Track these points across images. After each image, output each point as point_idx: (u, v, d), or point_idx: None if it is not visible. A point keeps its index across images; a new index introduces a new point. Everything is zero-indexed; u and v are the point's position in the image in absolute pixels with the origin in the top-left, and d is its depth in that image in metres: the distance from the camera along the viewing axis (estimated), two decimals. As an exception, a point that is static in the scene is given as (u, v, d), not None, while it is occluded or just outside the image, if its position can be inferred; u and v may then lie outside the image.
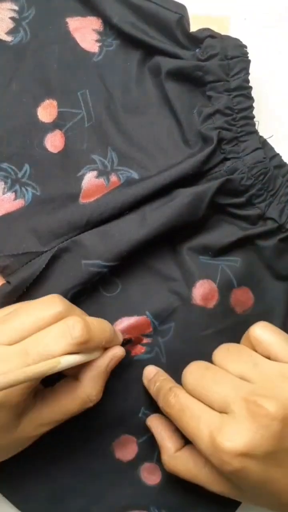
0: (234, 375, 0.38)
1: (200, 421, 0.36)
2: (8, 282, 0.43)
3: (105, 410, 0.44)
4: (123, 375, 0.45)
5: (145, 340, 0.45)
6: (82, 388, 0.39)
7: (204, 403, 0.37)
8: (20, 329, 0.36)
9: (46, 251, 0.44)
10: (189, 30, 0.46)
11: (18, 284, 0.43)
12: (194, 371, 0.40)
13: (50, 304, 0.38)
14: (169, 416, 0.39)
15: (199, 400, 0.38)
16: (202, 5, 0.50)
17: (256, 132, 0.45)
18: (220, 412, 0.36)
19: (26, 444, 0.40)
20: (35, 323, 0.36)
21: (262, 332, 0.40)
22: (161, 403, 0.40)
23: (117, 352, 0.40)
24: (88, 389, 0.39)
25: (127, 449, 0.45)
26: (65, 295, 0.43)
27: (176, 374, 0.44)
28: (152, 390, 0.43)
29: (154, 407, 0.44)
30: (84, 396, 0.38)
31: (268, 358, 0.39)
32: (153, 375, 0.43)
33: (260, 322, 0.41)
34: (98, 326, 0.38)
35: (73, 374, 0.40)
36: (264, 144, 0.46)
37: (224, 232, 0.46)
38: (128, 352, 0.45)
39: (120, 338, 0.42)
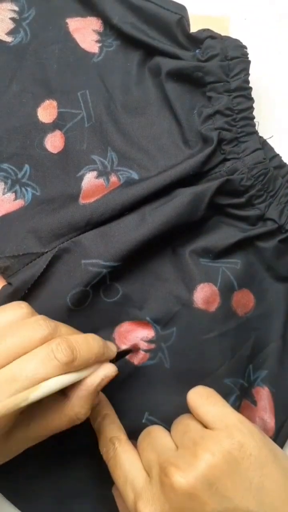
0: (172, 442, 0.38)
1: (127, 482, 0.37)
2: (9, 283, 0.44)
3: None
4: (127, 382, 0.44)
5: (148, 346, 0.45)
6: (71, 406, 0.37)
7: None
8: (5, 353, 0.35)
9: (47, 252, 0.44)
10: (189, 30, 0.46)
11: (20, 286, 0.43)
12: (145, 431, 0.41)
13: (36, 327, 0.37)
14: (107, 465, 0.40)
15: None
16: (202, 5, 0.50)
17: (256, 132, 0.45)
18: (148, 475, 0.37)
19: (12, 456, 0.39)
20: (21, 347, 0.36)
21: (192, 398, 0.39)
22: (100, 448, 0.41)
23: (109, 371, 0.39)
24: (77, 408, 0.38)
25: None
26: (66, 296, 0.43)
27: (180, 380, 0.44)
28: (93, 423, 0.42)
29: (158, 412, 0.44)
30: (72, 415, 0.38)
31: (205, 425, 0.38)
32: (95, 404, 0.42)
33: (195, 387, 0.40)
34: (85, 343, 0.37)
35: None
36: (264, 145, 0.46)
37: (224, 234, 0.46)
38: (131, 360, 0.45)
39: (114, 350, 0.41)
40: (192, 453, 0.35)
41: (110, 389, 0.44)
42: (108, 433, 0.40)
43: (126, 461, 0.38)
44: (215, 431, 0.36)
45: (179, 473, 0.34)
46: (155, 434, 0.39)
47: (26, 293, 0.43)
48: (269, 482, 0.34)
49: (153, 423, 0.44)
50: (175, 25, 0.45)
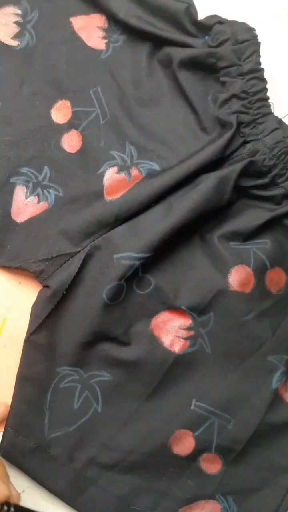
0: None
1: None
2: (47, 286, 0.43)
3: (157, 408, 0.44)
4: (171, 371, 0.45)
5: (187, 334, 0.45)
6: None
7: None
8: None
9: (79, 251, 0.44)
10: (197, 18, 0.46)
11: (58, 287, 0.43)
12: None
13: None
14: None
15: None
16: (202, 5, 0.50)
17: (272, 113, 0.46)
18: None
19: None
20: None
21: None
22: None
23: None
24: None
25: (184, 444, 0.45)
26: (102, 291, 0.43)
27: (223, 362, 0.44)
28: None
29: (205, 397, 0.45)
30: None
31: None
32: None
33: None
34: None
35: None
36: (280, 124, 0.46)
37: (251, 216, 0.46)
38: (172, 349, 0.45)
39: None
40: None
41: (154, 379, 0.44)
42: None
43: None
44: None
45: None
46: None
47: (64, 293, 0.43)
48: None
49: (201, 408, 0.45)
50: (183, 14, 0.45)
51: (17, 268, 0.45)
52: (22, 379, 0.44)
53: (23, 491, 0.45)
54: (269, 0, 0.53)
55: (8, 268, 0.46)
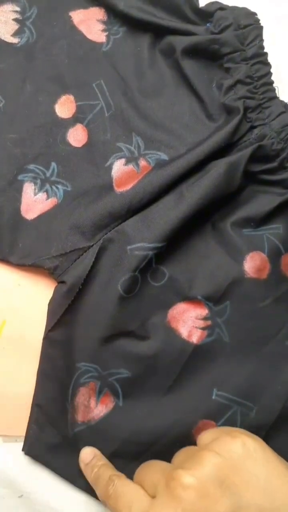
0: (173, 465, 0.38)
1: (132, 509, 0.35)
2: (62, 281, 0.43)
3: (178, 400, 0.43)
4: (190, 362, 0.44)
5: (204, 324, 0.45)
6: None
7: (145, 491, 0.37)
8: None
9: (93, 245, 0.44)
10: (198, 5, 0.46)
11: (74, 282, 0.43)
12: (145, 463, 0.40)
13: None
14: (108, 508, 0.38)
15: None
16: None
17: (277, 97, 0.46)
18: (153, 497, 0.35)
19: None
20: None
21: (202, 437, 0.40)
22: (99, 492, 0.39)
23: None
24: None
25: None
26: (117, 284, 0.43)
27: (242, 350, 0.44)
28: (89, 476, 0.41)
29: (226, 386, 0.44)
30: None
31: None
32: (90, 460, 0.42)
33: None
34: None
35: None
36: (286, 108, 0.46)
37: (262, 202, 0.46)
38: (190, 340, 0.44)
39: None
40: (196, 457, 0.35)
41: (173, 371, 0.44)
42: (106, 476, 0.39)
43: (127, 491, 0.37)
44: (218, 439, 0.37)
45: (188, 473, 0.34)
46: (154, 461, 0.39)
47: (80, 288, 0.43)
48: (277, 478, 0.35)
49: (223, 397, 0.44)
50: (183, 2, 0.45)
51: (31, 265, 0.44)
52: (43, 375, 0.44)
53: (21, 495, 0.44)
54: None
55: (22, 266, 0.45)
